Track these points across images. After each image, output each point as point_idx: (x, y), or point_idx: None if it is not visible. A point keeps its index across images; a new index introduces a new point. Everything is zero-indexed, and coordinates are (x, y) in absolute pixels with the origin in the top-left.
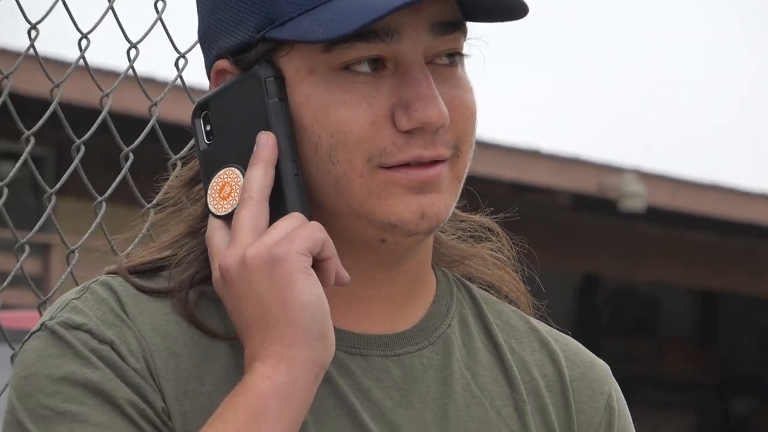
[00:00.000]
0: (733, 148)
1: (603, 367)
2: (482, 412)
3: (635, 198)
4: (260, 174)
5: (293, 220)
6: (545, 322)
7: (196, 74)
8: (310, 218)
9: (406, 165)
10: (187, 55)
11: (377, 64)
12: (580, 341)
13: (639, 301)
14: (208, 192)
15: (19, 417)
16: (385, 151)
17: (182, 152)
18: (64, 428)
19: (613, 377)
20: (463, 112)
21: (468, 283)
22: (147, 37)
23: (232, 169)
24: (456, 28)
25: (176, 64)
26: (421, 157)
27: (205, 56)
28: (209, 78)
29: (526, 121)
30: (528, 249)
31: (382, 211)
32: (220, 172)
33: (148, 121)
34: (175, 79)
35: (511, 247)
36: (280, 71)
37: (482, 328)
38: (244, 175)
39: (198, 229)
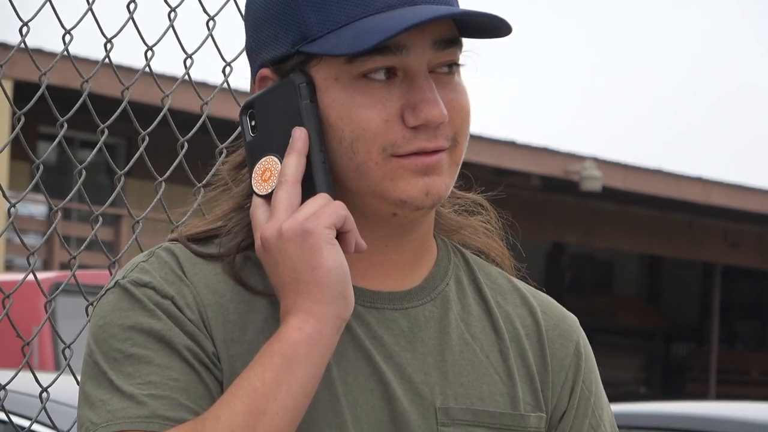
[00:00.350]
0: (676, 138)
1: (572, 318)
2: (474, 356)
3: (594, 180)
4: (294, 161)
5: (321, 199)
6: (525, 282)
7: (240, 80)
8: (335, 198)
9: (414, 154)
10: (232, 64)
11: (390, 73)
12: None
13: (596, 265)
14: (253, 176)
15: (96, 358)
16: (396, 143)
17: (227, 142)
18: (132, 368)
19: (580, 327)
20: (459, 111)
21: (463, 249)
22: (200, 49)
23: (272, 157)
24: (453, 44)
25: (223, 71)
26: (425, 148)
27: (251, 66)
28: (253, 83)
29: (504, 115)
30: (511, 221)
31: (394, 191)
32: (262, 160)
33: (200, 117)
34: (222, 83)
35: (497, 220)
36: (311, 78)
37: (474, 287)
38: (281, 162)
39: (243, 205)
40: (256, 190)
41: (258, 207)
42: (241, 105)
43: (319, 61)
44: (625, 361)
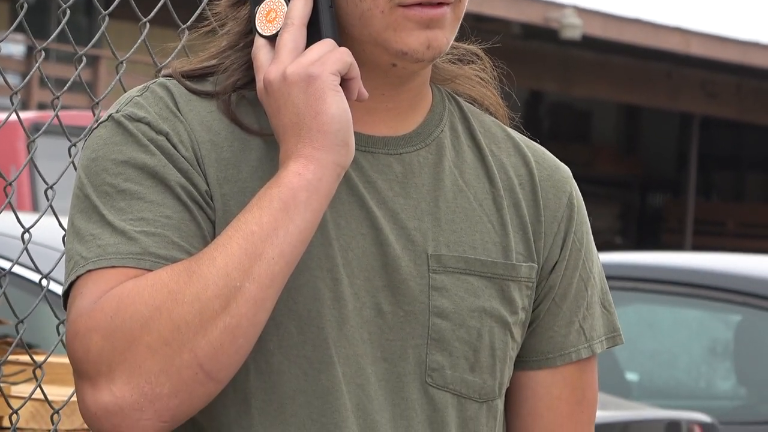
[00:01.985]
0: None
1: (565, 169)
2: (467, 203)
3: (573, 29)
4: (301, 4)
5: (326, 45)
6: (518, 132)
7: None
8: (339, 45)
9: (419, 4)
10: None
11: None
12: None
13: (574, 114)
14: (256, 15)
15: (86, 191)
16: None
17: None
18: (124, 203)
19: (573, 179)
20: None
21: (457, 97)
22: None
23: None
24: None
25: None
26: None
27: None
28: None
29: None
30: (506, 71)
31: (396, 41)
32: (266, 0)
33: None
34: None
35: (493, 69)
36: None
37: (468, 134)
38: (287, 4)
39: (239, 44)
40: (259, 30)
41: (261, 48)
42: None
43: None
44: (601, 210)
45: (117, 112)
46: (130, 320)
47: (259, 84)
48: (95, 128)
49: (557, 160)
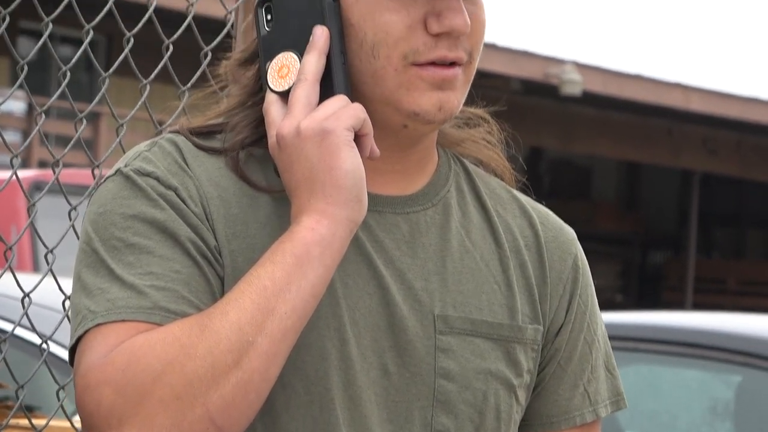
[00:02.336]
0: (655, 43)
1: (570, 231)
2: (473, 264)
3: (573, 85)
4: (315, 60)
5: (340, 100)
6: (525, 194)
7: None
8: (352, 101)
9: (433, 64)
10: None
11: None
12: None
13: (575, 171)
14: (268, 71)
15: (94, 246)
16: (418, 50)
17: (213, 44)
18: (133, 258)
19: (577, 241)
20: (479, 26)
21: (462, 159)
22: None
23: (290, 53)
24: None
25: None
26: (446, 57)
27: None
28: None
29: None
30: (513, 133)
31: (408, 102)
32: (280, 55)
33: (185, 15)
34: None
35: (500, 132)
36: None
37: (474, 195)
38: (300, 60)
39: (247, 102)
40: (271, 86)
41: (273, 103)
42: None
43: None
44: (602, 267)
45: (125, 166)
46: (142, 374)
47: (272, 139)
48: (102, 182)
49: (562, 222)
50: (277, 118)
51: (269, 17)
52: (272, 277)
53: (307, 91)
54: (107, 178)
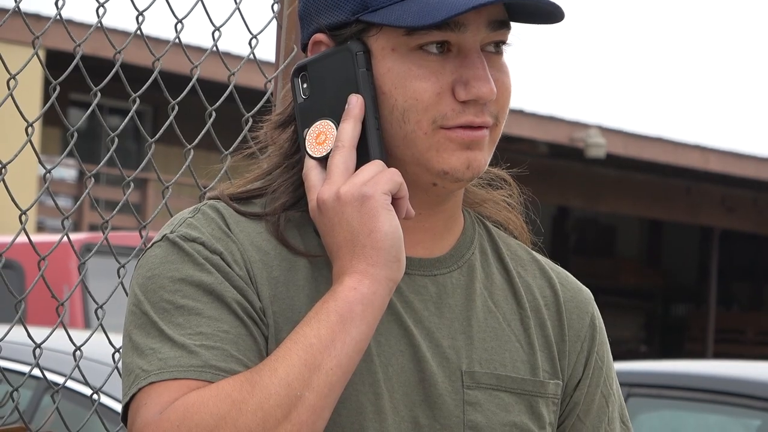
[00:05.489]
0: (675, 106)
1: (587, 292)
2: (496, 323)
3: (598, 148)
4: (351, 127)
5: (377, 165)
6: (542, 255)
7: (265, 52)
8: (386, 163)
9: (460, 127)
10: (258, 36)
11: (444, 47)
12: (554, 260)
13: (600, 229)
14: (306, 138)
15: (144, 308)
16: (446, 115)
17: (253, 110)
18: (182, 319)
19: (594, 301)
20: (504, 91)
21: (485, 221)
22: (228, 21)
23: (327, 121)
24: (506, 26)
25: (249, 43)
26: (472, 122)
27: (303, 29)
28: (305, 47)
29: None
30: (532, 197)
31: (438, 162)
32: (317, 123)
33: (226, 85)
34: (249, 55)
35: (519, 195)
36: (368, 47)
37: (496, 257)
38: (336, 127)
39: (282, 164)
40: (310, 152)
41: (312, 169)
42: (285, 70)
43: (379, 30)
44: (626, 320)
45: (171, 233)
46: (196, 429)
47: (312, 203)
48: (149, 248)
49: (579, 282)
50: (317, 183)
51: (305, 85)
52: (318, 334)
53: (344, 157)
54: (153, 243)
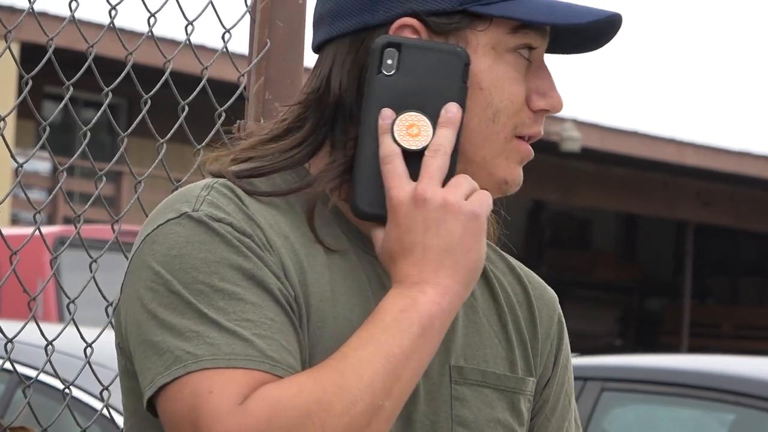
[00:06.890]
0: (651, 100)
1: (552, 291)
2: (477, 319)
3: (572, 141)
4: (452, 135)
5: (470, 180)
6: (510, 253)
7: (240, 44)
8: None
9: (521, 138)
10: (231, 30)
11: (530, 53)
12: (530, 254)
13: (575, 223)
14: (396, 123)
15: (174, 288)
16: (524, 123)
17: (226, 105)
18: (224, 303)
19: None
20: None
21: None
22: (202, 15)
23: (421, 115)
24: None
25: (222, 37)
26: (539, 133)
27: (383, 9)
28: (381, 26)
29: None
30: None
31: (504, 170)
32: (409, 114)
33: (199, 78)
34: (222, 48)
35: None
36: (467, 42)
37: None
38: (431, 126)
39: (319, 139)
40: (398, 140)
41: (397, 156)
42: (376, 40)
43: (488, 25)
44: (601, 314)
45: (194, 210)
46: (285, 426)
47: (397, 191)
48: (162, 224)
49: (544, 282)
50: (404, 173)
51: (389, 61)
52: (401, 345)
53: (444, 162)
54: (168, 220)
